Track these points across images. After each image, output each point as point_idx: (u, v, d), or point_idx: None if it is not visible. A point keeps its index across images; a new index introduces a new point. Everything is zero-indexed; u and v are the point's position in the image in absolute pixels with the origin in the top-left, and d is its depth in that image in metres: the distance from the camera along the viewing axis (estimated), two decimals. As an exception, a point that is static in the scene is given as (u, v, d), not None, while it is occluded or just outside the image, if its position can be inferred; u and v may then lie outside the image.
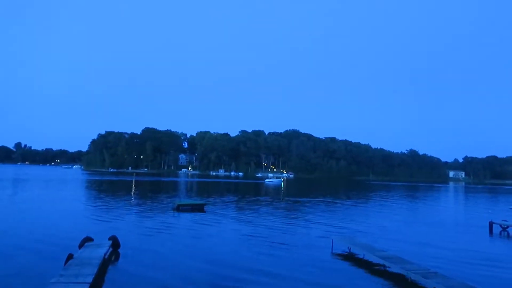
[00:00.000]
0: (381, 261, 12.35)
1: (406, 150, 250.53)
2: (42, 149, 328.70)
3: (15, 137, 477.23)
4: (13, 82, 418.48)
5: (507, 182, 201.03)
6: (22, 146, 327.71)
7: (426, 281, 10.24)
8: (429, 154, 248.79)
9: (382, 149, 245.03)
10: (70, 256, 11.07)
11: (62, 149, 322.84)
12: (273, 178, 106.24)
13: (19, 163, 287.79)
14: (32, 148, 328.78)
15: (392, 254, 13.00)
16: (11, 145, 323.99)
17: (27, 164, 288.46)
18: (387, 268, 12.07)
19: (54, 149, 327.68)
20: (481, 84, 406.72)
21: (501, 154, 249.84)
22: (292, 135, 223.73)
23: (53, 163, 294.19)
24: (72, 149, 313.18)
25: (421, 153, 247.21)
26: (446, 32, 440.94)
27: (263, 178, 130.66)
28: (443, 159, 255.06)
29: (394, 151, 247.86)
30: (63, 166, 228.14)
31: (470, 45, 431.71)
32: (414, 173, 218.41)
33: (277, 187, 67.42)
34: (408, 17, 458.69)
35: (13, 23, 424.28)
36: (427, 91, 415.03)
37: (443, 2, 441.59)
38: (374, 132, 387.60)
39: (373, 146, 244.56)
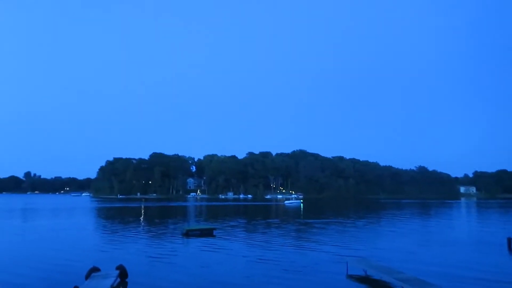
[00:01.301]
0: (400, 284, 11.76)
1: (415, 166, 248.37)
2: (51, 178, 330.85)
3: (24, 166, 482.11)
4: (20, 111, 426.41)
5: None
6: (32, 175, 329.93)
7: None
8: (438, 170, 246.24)
9: (391, 166, 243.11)
10: (75, 289, 10.70)
11: (71, 177, 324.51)
12: (293, 200, 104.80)
13: (28, 193, 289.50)
14: (42, 177, 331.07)
15: (410, 276, 12.38)
16: (20, 175, 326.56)
17: (36, 193, 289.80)
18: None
19: (63, 177, 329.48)
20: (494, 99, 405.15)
21: (511, 168, 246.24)
22: (300, 156, 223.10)
23: (62, 192, 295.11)
24: (81, 176, 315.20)
25: (430, 169, 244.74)
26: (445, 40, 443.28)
27: (272, 200, 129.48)
28: (453, 175, 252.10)
29: (403, 168, 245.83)
30: (72, 194, 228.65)
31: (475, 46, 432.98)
32: (424, 190, 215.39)
33: (296, 208, 66.64)
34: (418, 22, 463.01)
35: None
36: (431, 104, 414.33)
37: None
38: (382, 149, 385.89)
39: (382, 163, 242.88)
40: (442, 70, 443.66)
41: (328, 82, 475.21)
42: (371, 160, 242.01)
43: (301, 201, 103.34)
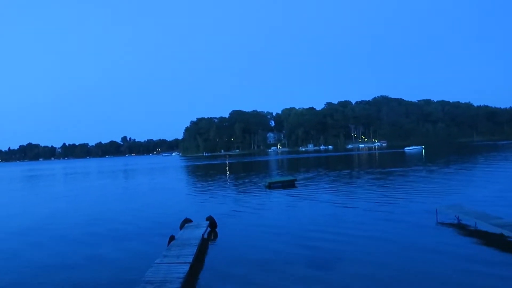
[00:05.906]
0: (498, 230, 10.89)
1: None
2: (144, 140, 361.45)
3: (121, 131, 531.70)
4: (113, 83, 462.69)
5: None
6: (128, 139, 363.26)
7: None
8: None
9: (487, 106, 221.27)
10: (172, 238, 11.72)
11: (161, 138, 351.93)
12: (412, 146, 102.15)
13: (126, 155, 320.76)
14: (136, 140, 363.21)
15: (511, 221, 11.39)
16: (118, 139, 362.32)
17: (133, 155, 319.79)
18: (506, 237, 10.64)
19: (155, 139, 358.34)
20: None
21: None
22: (381, 102, 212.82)
23: (155, 152, 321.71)
24: (169, 137, 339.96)
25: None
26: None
27: (353, 150, 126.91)
28: None
29: (501, 107, 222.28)
30: (164, 154, 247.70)
31: None
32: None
33: (418, 155, 65.53)
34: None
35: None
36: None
37: None
38: (476, 87, 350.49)
39: (475, 103, 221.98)
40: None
41: (408, 20, 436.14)
42: (463, 100, 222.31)
43: (423, 146, 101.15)
